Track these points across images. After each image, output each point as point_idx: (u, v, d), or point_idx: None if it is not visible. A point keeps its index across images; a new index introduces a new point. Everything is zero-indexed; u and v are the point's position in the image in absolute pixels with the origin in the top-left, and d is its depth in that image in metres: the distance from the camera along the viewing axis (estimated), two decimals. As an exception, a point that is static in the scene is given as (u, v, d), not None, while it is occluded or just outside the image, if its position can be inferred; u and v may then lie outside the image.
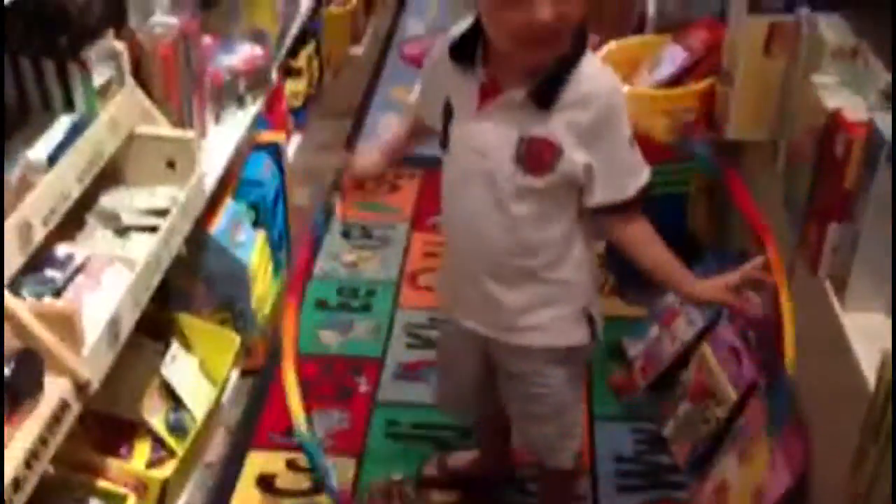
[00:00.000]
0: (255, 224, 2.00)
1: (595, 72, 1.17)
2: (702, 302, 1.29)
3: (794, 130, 1.37)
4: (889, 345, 1.03)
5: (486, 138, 1.18)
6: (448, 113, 1.23)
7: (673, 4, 1.97)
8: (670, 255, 1.24)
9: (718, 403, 1.63)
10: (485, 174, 1.20)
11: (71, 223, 1.45)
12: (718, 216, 2.03)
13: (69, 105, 1.43)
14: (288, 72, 2.69)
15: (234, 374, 1.91)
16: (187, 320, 1.79)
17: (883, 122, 1.12)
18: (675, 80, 1.85)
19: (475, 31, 1.18)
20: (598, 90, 1.15)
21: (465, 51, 1.19)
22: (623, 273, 2.17)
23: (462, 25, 1.22)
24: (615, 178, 1.18)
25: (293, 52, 2.70)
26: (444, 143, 1.25)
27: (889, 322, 1.15)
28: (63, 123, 1.39)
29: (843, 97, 1.21)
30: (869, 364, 1.06)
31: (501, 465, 1.69)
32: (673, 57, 1.86)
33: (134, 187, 1.60)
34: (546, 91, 1.14)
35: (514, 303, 1.27)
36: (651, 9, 2.02)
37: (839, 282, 1.21)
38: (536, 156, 1.15)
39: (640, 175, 1.21)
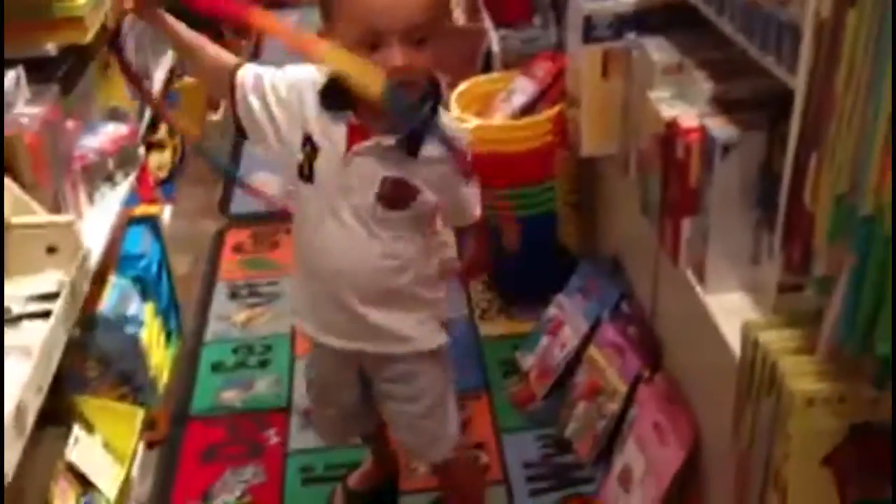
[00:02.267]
0: (142, 296, 2.00)
1: (450, 130, 1.32)
2: None
3: (639, 141, 1.52)
4: (748, 317, 1.18)
5: (355, 176, 1.29)
6: (312, 148, 1.30)
7: (515, 42, 2.12)
8: None
9: (610, 398, 1.76)
10: (351, 207, 1.31)
11: (-42, 320, 1.43)
12: (587, 228, 2.18)
13: (-59, 203, 1.42)
14: (150, 146, 2.70)
15: (140, 448, 1.89)
16: (86, 401, 1.77)
17: (713, 124, 1.27)
18: (529, 109, 2.00)
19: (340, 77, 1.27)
20: (447, 157, 1.31)
21: (335, 95, 1.28)
22: (507, 293, 2.30)
23: (314, 68, 1.31)
24: (462, 212, 1.41)
25: (153, 127, 2.71)
26: (309, 177, 1.31)
27: (745, 297, 1.29)
28: (-61, 222, 1.38)
29: (676, 107, 1.36)
30: (733, 336, 1.19)
31: (393, 462, 1.80)
32: (523, 88, 2.02)
33: (16, 276, 1.59)
34: (414, 142, 1.27)
35: (382, 319, 1.40)
36: (496, 48, 2.17)
37: (698, 269, 1.36)
38: (396, 194, 1.30)
39: (478, 203, 1.41)
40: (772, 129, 1.23)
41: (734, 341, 1.19)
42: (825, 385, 1.00)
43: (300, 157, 1.32)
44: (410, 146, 1.28)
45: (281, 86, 1.33)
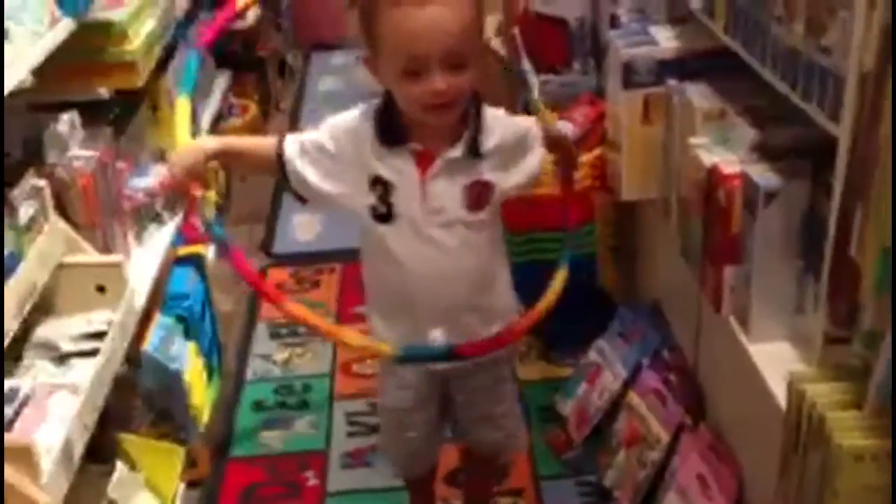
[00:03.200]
0: (186, 335, 2.03)
1: (496, 122, 1.38)
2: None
3: (680, 187, 1.51)
4: (793, 368, 1.16)
5: (441, 196, 1.34)
6: (384, 186, 1.34)
7: (555, 86, 2.14)
8: None
9: (652, 446, 1.73)
10: (443, 226, 1.36)
11: (8, 358, 1.46)
12: (627, 272, 2.17)
13: (-3, 245, 1.46)
14: (196, 185, 2.75)
15: (181, 487, 1.90)
16: (129, 439, 1.80)
17: (755, 171, 1.27)
18: (568, 153, 2.00)
19: (388, 111, 1.32)
20: (504, 137, 1.37)
21: (392, 129, 1.33)
22: (546, 337, 2.29)
23: (355, 112, 1.36)
24: (533, 178, 1.44)
25: (199, 165, 2.77)
26: (388, 215, 1.35)
27: (790, 347, 1.28)
28: (-7, 263, 1.42)
29: (717, 154, 1.36)
30: (778, 387, 1.17)
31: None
32: (563, 132, 2.02)
33: (66, 315, 1.63)
34: (476, 144, 1.34)
35: (485, 326, 1.44)
36: (535, 92, 2.19)
37: (742, 317, 1.34)
38: (477, 196, 1.37)
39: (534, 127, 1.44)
40: (815, 177, 1.22)
41: (780, 392, 1.17)
42: (874, 441, 0.98)
43: (371, 200, 1.35)
44: (473, 149, 1.34)
45: (326, 142, 1.36)
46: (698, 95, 1.44)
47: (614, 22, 1.77)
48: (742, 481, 1.49)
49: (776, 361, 1.25)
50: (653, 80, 1.58)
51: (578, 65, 2.19)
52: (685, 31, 1.59)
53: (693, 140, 1.42)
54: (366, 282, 1.48)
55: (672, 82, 1.53)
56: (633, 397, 1.84)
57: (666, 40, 1.58)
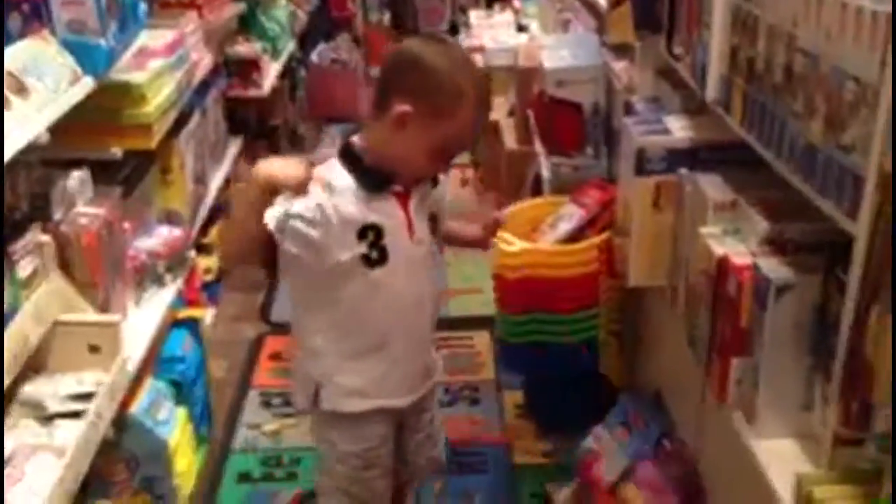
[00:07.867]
0: (177, 400, 1.99)
1: None
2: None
3: (689, 275, 1.50)
4: (800, 468, 1.12)
5: (420, 227, 1.48)
6: (376, 232, 1.42)
7: (566, 169, 2.15)
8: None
9: (649, 542, 1.67)
10: (422, 257, 1.50)
11: (-7, 415, 1.43)
12: (629, 359, 2.14)
13: (-6, 297, 1.44)
14: (199, 248, 2.75)
15: (160, 561, 1.84)
16: (108, 508, 1.74)
17: (766, 264, 1.25)
18: (576, 236, 2.00)
19: (362, 163, 1.43)
20: None
21: (378, 178, 1.43)
22: (544, 421, 2.24)
23: (338, 172, 1.41)
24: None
25: (204, 230, 2.77)
26: (380, 258, 1.43)
27: (797, 445, 1.24)
28: (-12, 316, 1.39)
29: (728, 244, 1.35)
30: (783, 487, 1.13)
31: None
32: (571, 215, 2.02)
33: (57, 374, 1.59)
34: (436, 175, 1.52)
35: (434, 350, 1.64)
36: (546, 173, 2.20)
37: (748, 412, 1.31)
38: (433, 222, 1.53)
39: None
40: (828, 274, 1.20)
41: (785, 493, 1.13)
42: (886, 550, 0.94)
43: (361, 249, 1.41)
44: (434, 179, 1.52)
45: (307, 216, 1.37)
46: (710, 185, 1.44)
47: (629, 109, 1.79)
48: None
49: (782, 460, 1.21)
50: (665, 167, 1.59)
51: (591, 149, 2.21)
52: (699, 122, 1.59)
53: (704, 229, 1.41)
54: (329, 335, 1.52)
55: (684, 171, 1.53)
56: (631, 489, 1.78)
57: (679, 130, 1.59)
